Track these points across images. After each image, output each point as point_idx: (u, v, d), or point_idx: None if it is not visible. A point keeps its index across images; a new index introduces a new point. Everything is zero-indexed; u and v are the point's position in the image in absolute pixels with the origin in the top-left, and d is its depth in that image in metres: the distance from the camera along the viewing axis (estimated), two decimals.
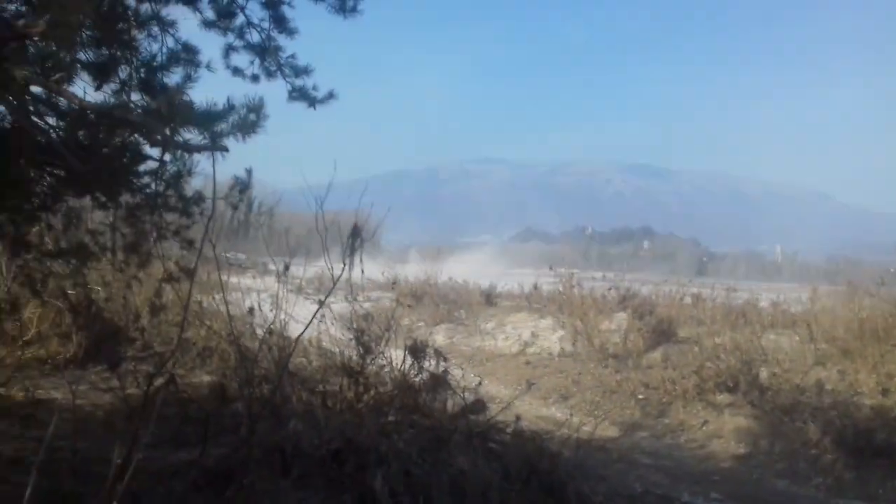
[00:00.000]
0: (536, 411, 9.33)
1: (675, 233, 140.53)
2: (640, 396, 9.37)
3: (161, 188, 4.10)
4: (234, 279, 9.89)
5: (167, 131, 2.96)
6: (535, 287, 17.56)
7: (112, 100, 3.58)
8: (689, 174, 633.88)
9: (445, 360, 5.76)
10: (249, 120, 3.22)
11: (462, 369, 7.39)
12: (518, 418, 5.71)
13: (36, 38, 1.81)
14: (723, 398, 8.60)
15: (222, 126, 3.22)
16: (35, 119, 3.18)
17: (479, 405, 5.51)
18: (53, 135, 3.22)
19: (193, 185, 4.52)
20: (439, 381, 5.56)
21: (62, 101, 3.20)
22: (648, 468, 6.95)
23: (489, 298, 17.87)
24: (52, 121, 3.40)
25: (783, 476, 6.82)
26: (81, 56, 3.50)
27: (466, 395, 5.56)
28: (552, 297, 15.98)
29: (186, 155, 3.85)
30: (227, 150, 3.07)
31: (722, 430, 8.08)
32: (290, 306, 5.97)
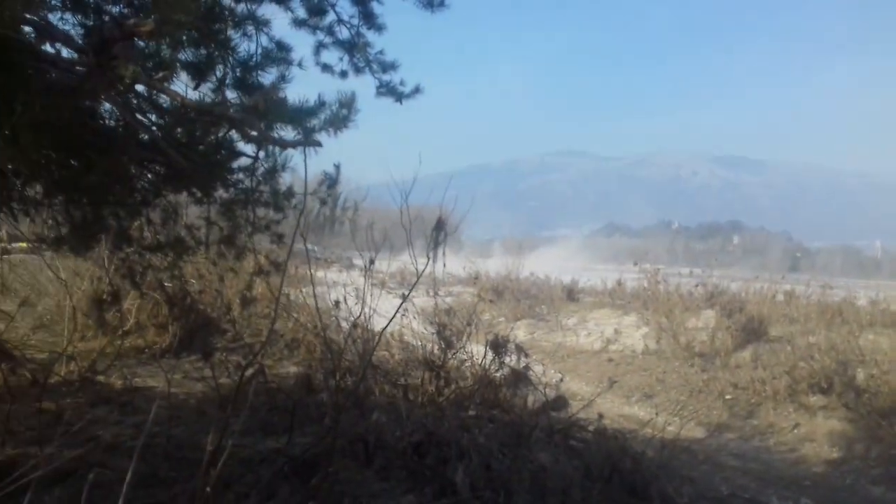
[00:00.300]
0: (619, 410, 9.19)
1: (766, 227, 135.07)
2: (728, 397, 9.11)
3: (255, 184, 4.21)
4: (319, 273, 10.11)
5: (262, 127, 3.03)
6: (619, 283, 17.30)
7: (209, 98, 3.71)
8: (781, 166, 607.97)
9: (526, 355, 5.74)
10: (341, 115, 3.27)
11: (543, 365, 7.33)
12: (600, 416, 5.64)
13: (143, 38, 1.88)
14: (816, 400, 8.27)
15: (314, 121, 3.28)
16: (139, 117, 3.31)
17: (560, 402, 5.47)
18: (156, 132, 3.34)
19: (283, 180, 4.62)
20: (520, 377, 5.54)
21: (164, 99, 3.33)
22: (735, 471, 6.77)
23: (571, 294, 17.69)
24: (153, 118, 3.53)
25: (879, 482, 6.51)
26: (181, 56, 3.63)
27: (547, 391, 5.53)
28: (636, 294, 15.73)
29: (280, 150, 3.94)
30: (320, 144, 3.12)
31: (814, 434, 7.78)
32: (374, 300, 6.05)
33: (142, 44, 2.00)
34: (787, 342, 10.31)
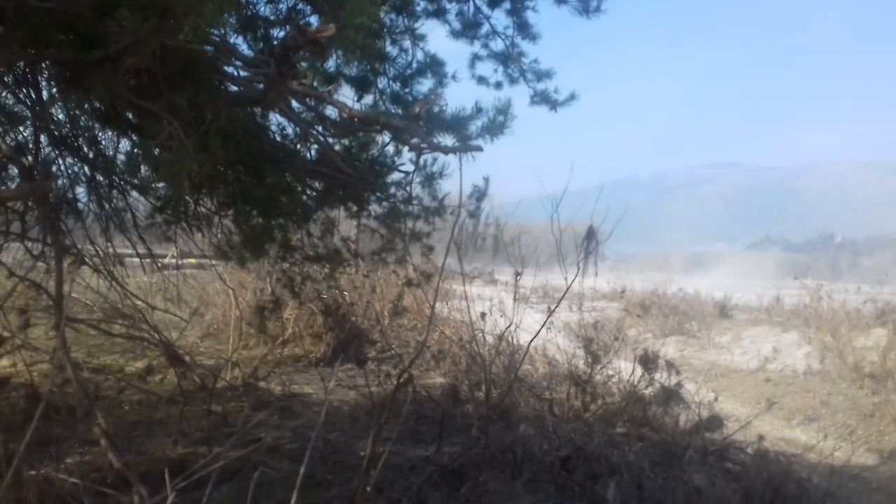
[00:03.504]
0: (778, 432, 8.67)
1: None
2: None
3: (410, 194, 4.33)
4: (462, 287, 10.22)
5: (424, 134, 3.11)
6: (777, 299, 16.37)
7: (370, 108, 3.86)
8: None
9: (677, 372, 5.55)
10: (497, 121, 3.29)
11: (696, 383, 7.05)
12: (760, 438, 5.37)
13: (324, 43, 1.97)
14: None
15: (472, 128, 3.33)
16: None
17: (714, 422, 5.29)
18: (325, 141, 3.51)
19: (440, 188, 4.71)
20: (671, 395, 5.37)
21: (329, 111, 3.50)
22: None
23: (723, 310, 16.94)
24: (320, 129, 3.71)
25: None
26: (344, 71, 3.82)
27: (700, 410, 5.32)
28: (796, 311, 14.82)
29: (438, 157, 4.02)
30: (480, 149, 3.16)
31: None
32: (517, 314, 6.04)
33: (322, 50, 2.10)
34: None
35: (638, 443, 5.10)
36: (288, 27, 3.91)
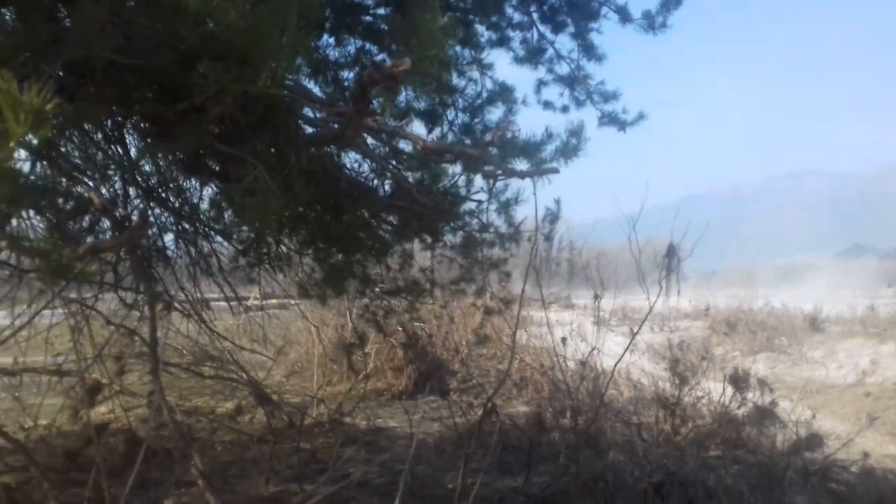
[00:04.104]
0: (883, 449, 8.21)
1: None
2: None
3: (484, 223, 4.35)
4: (539, 313, 10.13)
5: (497, 160, 3.14)
6: (871, 308, 15.67)
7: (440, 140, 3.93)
8: None
9: (771, 390, 5.38)
10: (570, 144, 3.29)
11: (791, 401, 6.78)
12: (866, 455, 5.14)
13: (400, 77, 2.02)
14: None
15: (545, 152, 3.34)
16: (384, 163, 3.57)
17: (814, 440, 5.08)
18: (400, 174, 3.57)
19: (517, 215, 4.72)
20: (766, 414, 5.20)
21: (403, 144, 3.56)
22: None
23: (814, 323, 16.29)
24: (394, 163, 3.78)
25: None
26: (414, 104, 3.90)
27: (798, 429, 5.13)
28: (893, 320, 14.12)
29: (512, 184, 4.04)
30: (557, 171, 3.16)
31: None
32: (597, 338, 5.96)
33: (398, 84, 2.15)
34: None
35: (734, 465, 4.96)
36: (357, 68, 4.03)
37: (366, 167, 3.77)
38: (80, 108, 2.10)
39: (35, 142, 2.11)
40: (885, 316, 15.16)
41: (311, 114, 3.09)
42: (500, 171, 3.12)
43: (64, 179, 3.25)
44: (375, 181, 3.77)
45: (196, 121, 2.19)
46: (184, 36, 2.08)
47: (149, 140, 2.67)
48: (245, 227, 3.82)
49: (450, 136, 4.45)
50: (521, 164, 3.29)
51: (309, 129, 2.97)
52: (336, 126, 2.67)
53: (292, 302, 7.08)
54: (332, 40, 4.26)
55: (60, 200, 3.07)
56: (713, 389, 5.70)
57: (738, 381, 5.27)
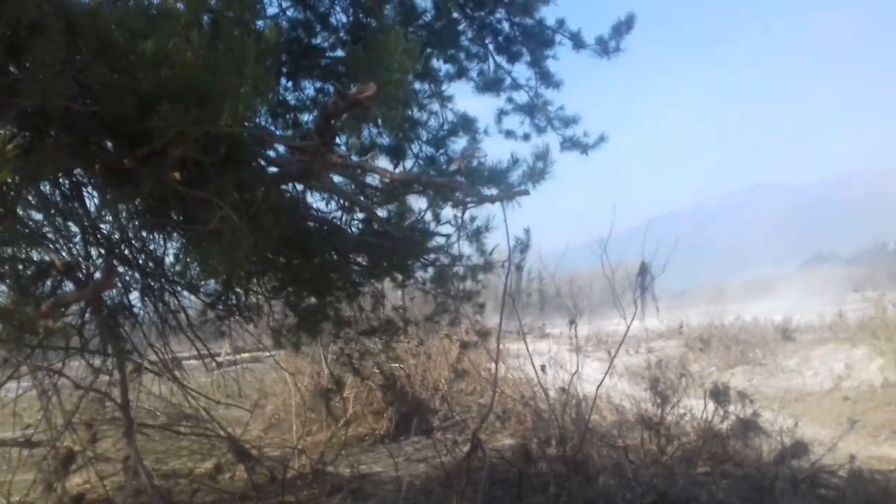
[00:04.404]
0: (866, 451, 8.27)
1: None
2: None
3: (454, 255, 4.34)
4: (514, 345, 10.12)
5: (466, 187, 3.13)
6: (839, 314, 15.94)
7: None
8: None
9: (751, 402, 5.42)
10: (538, 168, 3.30)
11: (772, 411, 6.82)
12: (852, 458, 5.18)
13: (366, 103, 2.01)
14: None
15: (513, 177, 3.35)
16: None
17: (799, 448, 5.10)
18: (370, 208, 3.54)
19: (488, 242, 4.71)
20: (749, 426, 5.24)
21: (370, 179, 3.53)
22: None
23: (786, 333, 16.57)
24: (362, 198, 3.76)
25: None
26: (378, 140, 3.90)
27: (782, 438, 5.15)
28: (862, 324, 14.37)
29: (482, 211, 4.03)
30: (527, 193, 3.16)
31: None
32: (573, 365, 5.96)
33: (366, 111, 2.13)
34: None
35: (723, 480, 4.98)
36: (316, 110, 4.03)
37: (333, 205, 3.75)
38: (37, 161, 2.04)
39: None
40: (854, 320, 15.39)
41: (274, 153, 3.07)
42: (469, 198, 3.11)
43: (23, 243, 3.16)
44: (344, 218, 3.73)
45: (157, 165, 2.14)
46: (141, 80, 2.05)
47: (109, 190, 2.61)
48: (212, 279, 3.76)
49: (415, 169, 4.46)
50: (490, 191, 3.30)
51: (273, 169, 2.94)
52: (301, 163, 2.64)
53: (266, 354, 6.97)
54: (289, 84, 4.27)
55: (21, 267, 3.00)
56: (695, 406, 5.71)
57: (719, 395, 5.31)
